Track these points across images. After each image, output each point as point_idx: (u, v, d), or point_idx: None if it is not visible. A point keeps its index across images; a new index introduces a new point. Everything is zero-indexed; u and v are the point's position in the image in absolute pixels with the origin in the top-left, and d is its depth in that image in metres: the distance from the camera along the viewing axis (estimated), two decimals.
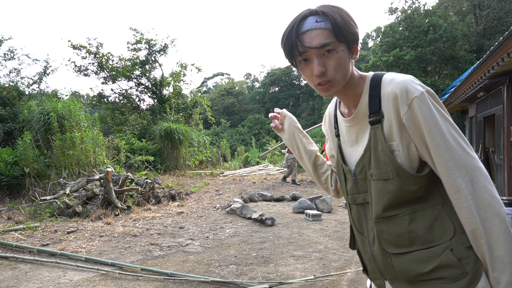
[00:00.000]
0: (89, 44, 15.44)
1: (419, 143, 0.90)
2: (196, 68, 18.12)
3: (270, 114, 1.33)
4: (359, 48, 0.97)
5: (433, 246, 0.90)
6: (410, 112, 0.88)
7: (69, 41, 15.20)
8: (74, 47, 15.24)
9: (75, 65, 15.87)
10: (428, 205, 0.93)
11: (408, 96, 0.88)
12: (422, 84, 0.91)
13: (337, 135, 1.12)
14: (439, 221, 0.91)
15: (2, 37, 14.88)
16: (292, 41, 0.92)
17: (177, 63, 17.86)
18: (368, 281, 1.22)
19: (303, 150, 1.27)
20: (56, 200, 6.00)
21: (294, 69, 1.07)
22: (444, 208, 0.92)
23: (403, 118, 0.89)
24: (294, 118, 1.30)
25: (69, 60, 16.05)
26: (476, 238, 0.86)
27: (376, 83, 0.95)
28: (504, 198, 5.22)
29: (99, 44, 15.63)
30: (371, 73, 0.99)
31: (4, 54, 14.96)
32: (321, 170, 1.29)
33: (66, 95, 17.36)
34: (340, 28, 0.89)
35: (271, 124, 1.33)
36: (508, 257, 0.83)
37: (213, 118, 19.55)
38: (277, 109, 1.34)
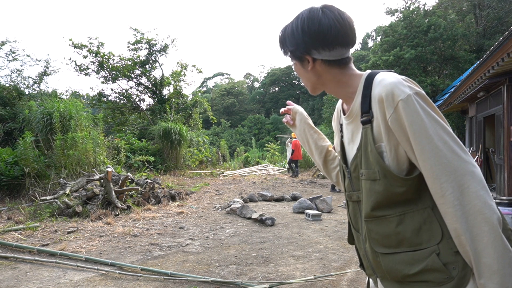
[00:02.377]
0: (90, 43, 15.45)
1: (406, 146, 0.89)
2: (197, 69, 18.12)
3: (282, 109, 1.38)
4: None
5: (420, 249, 0.90)
6: (396, 115, 0.87)
7: (70, 39, 15.20)
8: (75, 46, 15.24)
9: (76, 64, 15.87)
10: (418, 208, 0.92)
11: (393, 99, 0.87)
12: (414, 85, 0.90)
13: (341, 131, 1.13)
14: (428, 224, 0.90)
15: (6, 39, 14.88)
16: None
17: (178, 63, 17.83)
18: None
19: (314, 146, 1.32)
20: (56, 200, 6.00)
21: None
22: (433, 212, 0.90)
23: (388, 121, 0.89)
24: (305, 114, 1.35)
25: (70, 59, 16.10)
26: (462, 244, 0.84)
27: (368, 83, 0.95)
28: (504, 198, 5.22)
29: (100, 44, 15.63)
30: (367, 72, 0.99)
31: (6, 54, 14.96)
32: (332, 165, 1.32)
33: (66, 95, 17.36)
34: (282, 46, 1.05)
35: (283, 120, 1.38)
36: (496, 265, 0.80)
37: (215, 118, 19.61)
38: (289, 103, 1.39)
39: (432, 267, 0.88)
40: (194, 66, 17.92)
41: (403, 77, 0.91)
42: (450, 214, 0.84)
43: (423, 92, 0.90)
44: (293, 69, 1.10)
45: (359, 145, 0.98)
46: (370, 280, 1.15)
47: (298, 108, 1.35)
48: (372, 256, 1.00)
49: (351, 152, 1.05)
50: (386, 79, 0.91)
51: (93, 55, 15.55)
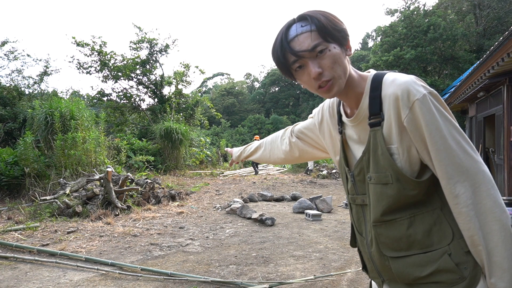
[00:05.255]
0: (93, 42, 15.45)
1: (420, 146, 0.88)
2: (200, 70, 18.18)
3: (229, 162, 1.75)
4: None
5: (431, 250, 0.89)
6: (411, 115, 0.85)
7: (73, 37, 15.18)
8: (78, 44, 15.24)
9: (78, 62, 15.86)
10: (427, 209, 0.91)
11: (409, 98, 0.85)
12: (425, 85, 0.89)
13: (340, 132, 1.08)
14: (438, 225, 0.90)
15: (7, 39, 14.89)
16: (283, 52, 0.91)
17: (181, 63, 17.88)
18: None
19: (258, 157, 1.52)
20: (56, 200, 6.00)
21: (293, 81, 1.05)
22: (443, 212, 0.90)
23: (404, 121, 0.87)
24: (235, 151, 1.62)
25: (72, 57, 16.03)
26: (474, 244, 0.84)
27: (377, 84, 0.92)
28: (504, 198, 5.23)
29: (103, 43, 15.64)
30: (372, 73, 0.96)
31: (5, 54, 14.97)
32: (281, 146, 1.42)
33: (66, 95, 17.37)
34: (325, 27, 0.87)
35: (229, 164, 1.75)
36: (507, 264, 0.81)
37: (219, 114, 19.99)
38: (227, 150, 1.76)
39: (444, 268, 0.88)
40: (197, 67, 18.02)
41: (414, 76, 0.90)
42: (464, 214, 0.84)
43: (435, 91, 0.89)
44: (328, 56, 0.88)
45: (366, 148, 0.96)
46: (373, 282, 1.14)
47: (233, 150, 1.65)
48: (380, 260, 0.98)
49: (356, 154, 1.02)
50: (399, 78, 0.89)
51: (96, 53, 15.57)
